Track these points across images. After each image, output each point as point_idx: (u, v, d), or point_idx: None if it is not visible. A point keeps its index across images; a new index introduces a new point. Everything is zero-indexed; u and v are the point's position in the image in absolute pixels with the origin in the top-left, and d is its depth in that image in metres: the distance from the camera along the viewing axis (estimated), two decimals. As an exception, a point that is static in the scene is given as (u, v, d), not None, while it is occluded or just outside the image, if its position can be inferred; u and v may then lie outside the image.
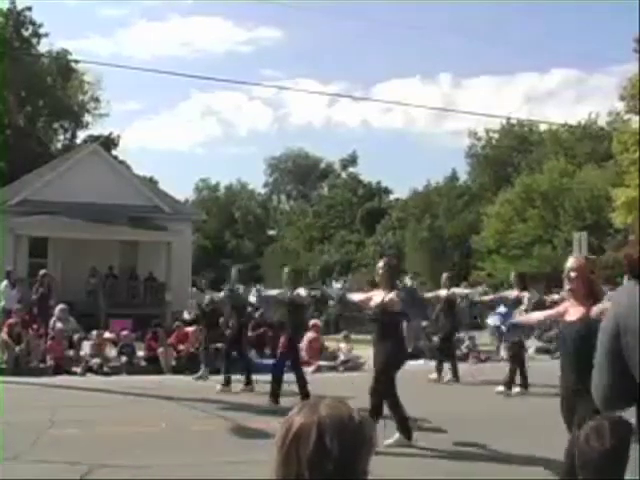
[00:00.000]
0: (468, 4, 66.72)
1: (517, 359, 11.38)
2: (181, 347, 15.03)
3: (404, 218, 47.81)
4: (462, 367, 13.35)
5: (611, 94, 65.15)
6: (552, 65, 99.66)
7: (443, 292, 13.01)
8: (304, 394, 9.49)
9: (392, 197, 56.20)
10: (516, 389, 11.19)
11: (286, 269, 10.66)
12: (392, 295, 7.42)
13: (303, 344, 15.29)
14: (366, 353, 16.74)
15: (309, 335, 15.19)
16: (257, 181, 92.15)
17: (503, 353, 17.83)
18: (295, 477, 1.62)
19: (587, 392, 4.37)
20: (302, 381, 9.84)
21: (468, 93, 77.05)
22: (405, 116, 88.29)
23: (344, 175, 62.05)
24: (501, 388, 11.11)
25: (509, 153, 48.18)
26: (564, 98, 77.53)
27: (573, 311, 4.90)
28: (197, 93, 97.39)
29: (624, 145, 28.40)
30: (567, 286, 5.01)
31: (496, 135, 50.09)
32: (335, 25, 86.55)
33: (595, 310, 4.64)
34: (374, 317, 7.71)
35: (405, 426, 7.41)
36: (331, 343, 17.01)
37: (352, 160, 62.73)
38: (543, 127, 46.06)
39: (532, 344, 16.41)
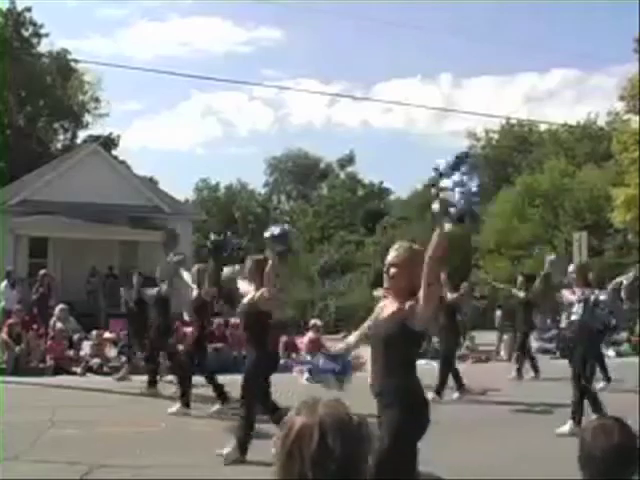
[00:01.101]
0: (468, 4, 66.55)
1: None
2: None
3: (404, 218, 47.76)
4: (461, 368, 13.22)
5: (611, 94, 64.96)
6: (552, 65, 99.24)
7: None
8: (216, 393, 9.53)
9: (392, 197, 56.20)
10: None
11: (194, 267, 10.58)
12: (262, 291, 7.00)
13: (303, 344, 15.30)
14: (367, 353, 16.82)
15: (309, 335, 15.18)
16: (257, 181, 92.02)
17: (503, 353, 17.89)
18: (297, 477, 1.62)
19: (396, 398, 4.07)
20: (208, 379, 9.81)
21: (468, 93, 77.01)
22: (405, 116, 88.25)
23: (342, 175, 61.98)
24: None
25: (509, 153, 48.14)
26: (564, 98, 77.42)
27: (388, 308, 4.15)
28: (197, 93, 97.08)
29: (624, 145, 28.37)
30: (385, 283, 4.18)
31: (496, 135, 50.07)
32: (335, 25, 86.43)
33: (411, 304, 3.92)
34: (241, 315, 7.39)
35: (245, 440, 6.81)
36: (331, 343, 16.97)
37: (349, 160, 62.66)
38: (543, 127, 46.11)
39: (533, 344, 16.41)
